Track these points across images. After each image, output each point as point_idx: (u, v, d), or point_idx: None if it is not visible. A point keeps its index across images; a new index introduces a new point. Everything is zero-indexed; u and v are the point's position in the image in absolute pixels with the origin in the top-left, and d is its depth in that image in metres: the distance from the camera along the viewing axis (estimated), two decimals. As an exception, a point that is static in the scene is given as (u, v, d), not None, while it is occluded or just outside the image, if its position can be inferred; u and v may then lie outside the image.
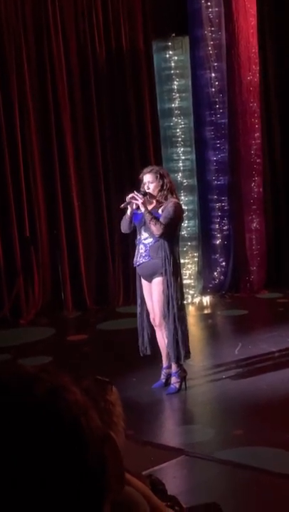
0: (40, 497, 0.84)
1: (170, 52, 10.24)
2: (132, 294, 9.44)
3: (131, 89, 10.19)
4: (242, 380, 6.58)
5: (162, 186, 6.27)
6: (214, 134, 10.04)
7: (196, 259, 10.27)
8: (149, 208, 6.24)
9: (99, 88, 10.00)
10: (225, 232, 10.17)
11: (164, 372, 6.49)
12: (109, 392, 2.72)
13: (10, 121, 9.38)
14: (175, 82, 10.25)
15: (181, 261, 10.11)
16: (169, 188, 6.31)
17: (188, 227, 10.27)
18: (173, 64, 10.23)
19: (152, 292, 6.34)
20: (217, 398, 6.29)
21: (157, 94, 10.31)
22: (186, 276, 10.16)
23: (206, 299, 9.88)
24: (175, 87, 10.25)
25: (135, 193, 6.24)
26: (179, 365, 6.37)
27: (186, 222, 10.25)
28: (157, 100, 10.31)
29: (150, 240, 6.26)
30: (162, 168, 6.70)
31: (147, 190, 6.28)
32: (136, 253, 6.43)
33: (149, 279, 6.34)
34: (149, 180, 6.30)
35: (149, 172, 6.36)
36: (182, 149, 10.28)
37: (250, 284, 10.15)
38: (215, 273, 10.18)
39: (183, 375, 6.38)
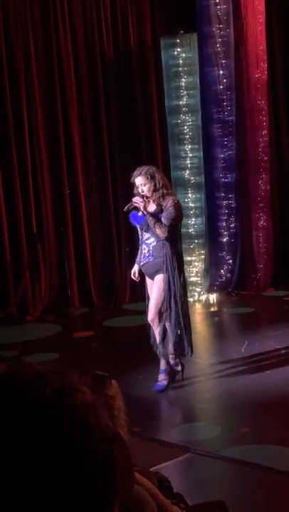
0: (49, 498, 0.84)
1: (178, 49, 10.22)
2: (138, 290, 9.45)
3: (139, 86, 10.18)
4: (248, 378, 6.58)
5: (155, 186, 6.24)
6: (222, 132, 10.02)
7: (202, 256, 10.26)
8: (151, 210, 6.25)
9: (107, 85, 9.99)
10: (232, 230, 10.16)
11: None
12: (109, 386, 2.72)
13: (18, 119, 9.39)
14: (183, 79, 10.23)
15: (188, 258, 10.20)
16: (162, 185, 6.29)
17: (195, 224, 10.27)
18: (181, 61, 10.22)
19: (152, 289, 6.39)
20: (223, 396, 6.29)
21: (165, 92, 10.30)
22: (193, 274, 10.16)
23: (213, 297, 9.87)
24: (183, 84, 10.23)
25: (134, 199, 6.24)
26: (168, 363, 6.40)
27: (193, 219, 10.25)
28: (165, 97, 10.30)
29: (152, 239, 6.29)
30: (151, 167, 6.50)
31: (142, 194, 6.25)
32: (139, 253, 6.49)
33: (153, 277, 6.38)
34: (141, 183, 6.27)
35: (140, 175, 6.30)
36: (189, 147, 10.27)
37: (257, 282, 10.14)
38: (222, 271, 10.17)
39: (173, 372, 6.43)
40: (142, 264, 6.41)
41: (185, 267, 10.07)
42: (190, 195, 10.23)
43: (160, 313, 6.33)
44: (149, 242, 6.32)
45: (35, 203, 9.59)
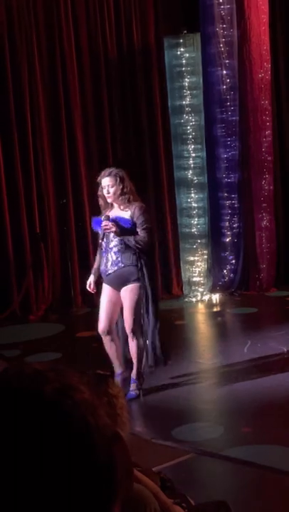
0: (49, 497, 0.84)
1: (181, 49, 10.21)
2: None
3: (142, 86, 10.18)
4: (251, 378, 6.57)
5: (123, 189, 6.07)
6: (225, 132, 10.02)
7: (205, 256, 10.26)
8: (112, 213, 6.12)
9: (110, 85, 10.00)
10: (235, 230, 10.15)
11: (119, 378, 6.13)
12: (111, 385, 2.73)
13: (21, 119, 9.40)
14: (186, 79, 10.22)
15: (191, 258, 10.21)
16: (129, 190, 6.11)
17: (198, 224, 10.26)
18: (184, 61, 10.21)
19: (124, 300, 6.11)
20: (226, 396, 6.28)
21: (168, 91, 10.29)
22: (196, 274, 10.17)
23: (216, 297, 9.87)
24: (186, 84, 10.22)
25: (103, 225, 6.03)
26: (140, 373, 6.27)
27: (196, 219, 10.25)
28: (168, 97, 10.30)
29: (120, 246, 6.08)
30: (121, 170, 6.22)
31: (107, 195, 6.10)
32: (104, 261, 6.20)
33: (119, 288, 6.11)
34: (108, 184, 6.09)
35: (108, 175, 6.12)
36: (193, 147, 10.26)
37: (260, 282, 10.13)
38: (224, 271, 10.16)
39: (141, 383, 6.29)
40: (108, 273, 6.15)
41: (188, 266, 10.18)
42: (193, 195, 10.23)
43: (135, 325, 6.10)
44: (117, 250, 6.08)
45: (38, 203, 9.60)
